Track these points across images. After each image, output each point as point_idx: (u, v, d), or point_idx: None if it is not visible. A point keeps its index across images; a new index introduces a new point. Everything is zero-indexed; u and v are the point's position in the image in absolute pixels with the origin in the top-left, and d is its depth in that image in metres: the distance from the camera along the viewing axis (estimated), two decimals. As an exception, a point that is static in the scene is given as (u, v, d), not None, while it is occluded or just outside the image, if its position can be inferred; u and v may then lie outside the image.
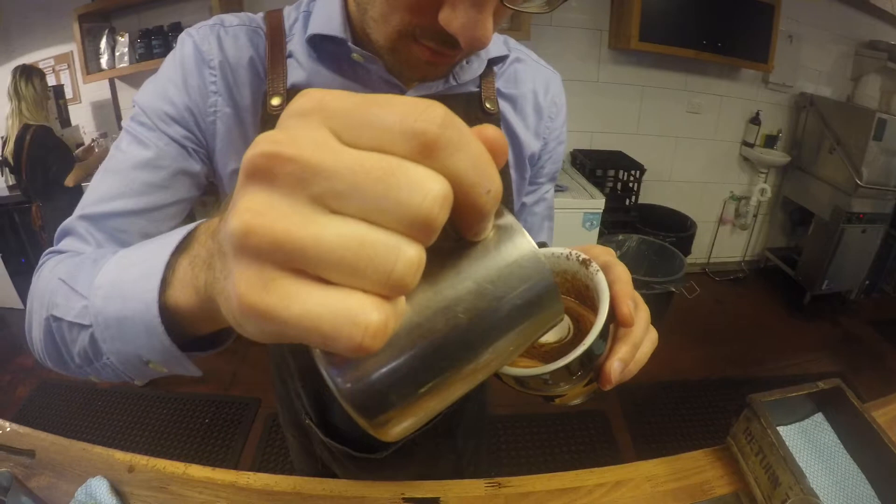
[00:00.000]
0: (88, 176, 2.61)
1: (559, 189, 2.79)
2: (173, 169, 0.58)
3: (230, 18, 0.62)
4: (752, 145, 3.46)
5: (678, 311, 3.04)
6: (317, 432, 0.86)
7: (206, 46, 0.60)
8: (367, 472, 0.87)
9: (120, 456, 0.94)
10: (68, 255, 0.52)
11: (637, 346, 0.38)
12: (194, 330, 0.35)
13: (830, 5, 3.18)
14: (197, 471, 0.90)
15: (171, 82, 0.59)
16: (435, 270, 0.24)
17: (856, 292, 3.38)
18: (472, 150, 0.21)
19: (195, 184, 0.63)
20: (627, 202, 3.23)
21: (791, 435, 0.92)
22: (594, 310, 0.36)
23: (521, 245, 0.25)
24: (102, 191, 0.56)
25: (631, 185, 3.20)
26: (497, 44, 0.67)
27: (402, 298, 0.21)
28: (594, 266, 0.38)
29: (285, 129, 0.20)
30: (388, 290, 0.19)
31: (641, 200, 3.28)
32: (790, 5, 3.04)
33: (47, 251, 0.54)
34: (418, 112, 0.19)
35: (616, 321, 0.37)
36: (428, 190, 0.19)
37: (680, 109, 3.38)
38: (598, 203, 2.68)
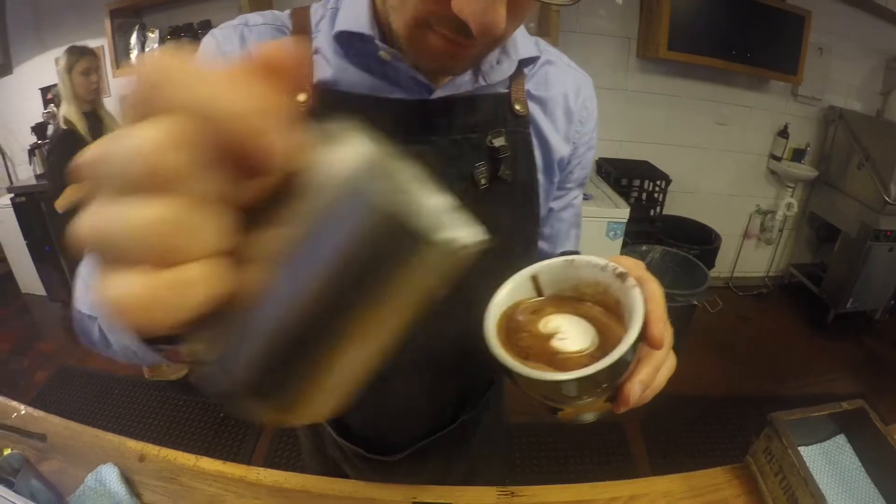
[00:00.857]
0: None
1: (584, 197, 2.77)
2: None
3: (255, 17, 0.62)
4: (779, 159, 3.40)
5: (700, 326, 2.99)
6: (330, 432, 0.86)
7: (228, 46, 0.60)
8: (379, 475, 0.86)
9: (132, 444, 0.95)
10: None
11: (658, 369, 0.37)
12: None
13: (862, 18, 3.12)
14: (208, 463, 0.91)
15: None
16: (262, 219, 0.21)
17: (881, 312, 3.29)
18: (194, 81, 0.18)
19: None
20: (652, 213, 3.19)
21: (812, 456, 0.89)
22: (621, 323, 0.34)
23: (344, 151, 0.20)
24: None
25: (656, 195, 3.16)
26: (528, 45, 0.66)
27: (201, 269, 0.19)
28: (631, 281, 0.37)
29: None
30: (148, 254, 0.18)
31: (666, 211, 3.25)
32: (821, 17, 2.99)
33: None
34: (145, 61, 0.19)
35: (645, 341, 0.36)
36: (152, 130, 0.18)
37: (707, 120, 3.33)
38: (623, 213, 2.65)
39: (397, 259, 0.20)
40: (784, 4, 2.93)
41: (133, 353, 0.40)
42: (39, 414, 1.00)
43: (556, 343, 0.36)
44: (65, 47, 3.22)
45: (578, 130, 0.72)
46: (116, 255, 0.18)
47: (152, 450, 0.94)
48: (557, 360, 0.36)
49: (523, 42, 0.64)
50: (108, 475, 0.87)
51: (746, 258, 3.78)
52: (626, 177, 3.09)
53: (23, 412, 1.01)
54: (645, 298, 0.36)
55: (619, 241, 2.74)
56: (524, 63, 0.65)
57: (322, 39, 0.60)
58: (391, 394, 0.75)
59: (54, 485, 0.86)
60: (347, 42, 0.58)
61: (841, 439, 0.92)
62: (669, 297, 2.19)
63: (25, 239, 3.23)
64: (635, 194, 3.17)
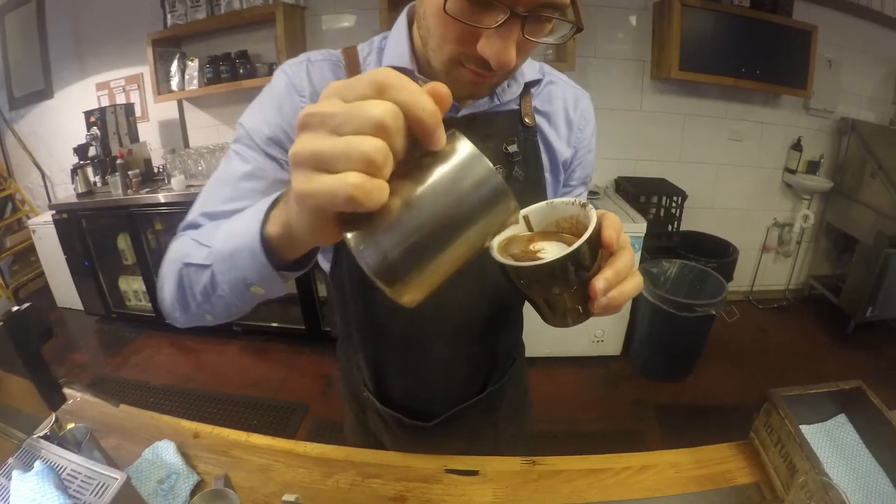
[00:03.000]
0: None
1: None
2: (272, 179, 0.71)
3: (315, 55, 0.76)
4: (794, 171, 3.44)
5: (720, 338, 3.02)
6: (373, 401, 0.96)
7: (297, 80, 0.74)
8: (415, 441, 0.97)
9: (186, 424, 1.05)
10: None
11: (620, 275, 0.46)
12: (282, 254, 0.49)
13: (869, 29, 3.17)
14: (258, 439, 1.00)
15: (269, 110, 0.73)
16: (414, 173, 0.36)
17: (903, 320, 3.28)
18: (409, 87, 0.34)
19: None
20: (670, 228, 3.24)
21: (814, 434, 0.95)
22: None
23: (463, 147, 0.37)
24: (220, 197, 0.71)
25: (673, 211, 3.22)
26: (533, 70, 0.81)
27: (382, 181, 0.34)
28: (589, 206, 0.48)
29: (318, 104, 0.36)
30: (365, 165, 0.32)
31: (684, 227, 3.29)
32: (828, 30, 3.05)
33: (176, 235, 0.69)
34: (376, 72, 0.34)
35: (602, 246, 0.46)
36: (382, 107, 0.33)
37: (721, 137, 3.40)
38: (640, 227, 2.71)
39: (490, 204, 0.37)
40: (790, 20, 3.00)
41: (243, 286, 0.53)
42: (95, 400, 1.10)
43: (539, 255, 0.47)
44: (106, 73, 3.45)
45: (578, 136, 0.86)
46: (327, 166, 0.33)
47: (205, 428, 1.03)
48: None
49: (528, 68, 0.80)
50: (165, 449, 0.96)
51: (765, 271, 3.80)
52: (643, 193, 3.17)
53: (79, 399, 1.10)
54: (601, 217, 0.47)
55: (638, 256, 2.80)
56: (530, 85, 0.81)
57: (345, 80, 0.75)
58: (431, 361, 0.89)
59: (113, 458, 0.93)
60: None
61: (842, 418, 0.98)
62: (687, 308, 2.23)
63: (65, 254, 3.38)
64: (653, 211, 3.23)
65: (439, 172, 0.36)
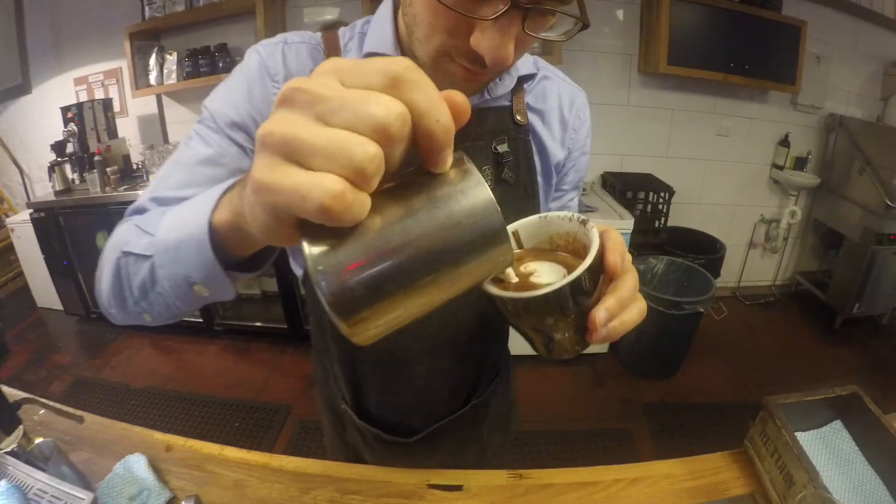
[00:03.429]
0: None
1: (588, 210, 2.82)
2: (233, 167, 0.65)
3: (292, 36, 0.70)
4: (781, 168, 3.44)
5: (707, 334, 3.02)
6: (351, 415, 0.91)
7: (271, 62, 0.67)
8: (396, 458, 0.92)
9: (159, 436, 1.00)
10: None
11: (623, 303, 0.41)
12: (232, 250, 0.44)
13: (858, 25, 3.17)
14: (232, 452, 0.95)
15: (237, 93, 0.66)
16: (404, 194, 0.30)
17: (888, 316, 3.29)
18: (427, 90, 0.28)
19: None
20: (657, 224, 3.23)
21: (809, 441, 0.92)
22: None
23: (472, 180, 0.31)
24: (172, 181, 0.64)
25: (660, 207, 3.21)
26: (527, 63, 0.74)
27: (366, 195, 0.28)
28: (591, 224, 0.43)
29: (310, 79, 0.29)
30: (351, 172, 0.26)
31: (671, 223, 3.28)
32: (817, 26, 3.04)
33: (123, 219, 0.62)
34: (391, 61, 0.28)
35: (605, 272, 0.41)
36: (389, 106, 0.27)
37: (709, 132, 3.39)
38: (627, 224, 2.70)
39: (484, 252, 0.31)
40: (779, 16, 2.99)
41: (185, 285, 0.47)
42: (67, 409, 1.04)
43: (532, 279, 0.42)
44: (84, 68, 3.35)
45: (572, 137, 0.80)
46: (301, 159, 0.27)
47: (178, 440, 0.99)
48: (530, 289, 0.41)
49: (522, 61, 0.72)
50: (136, 463, 0.91)
51: (752, 267, 3.81)
52: (630, 189, 3.14)
53: (42, 412, 1.04)
54: (603, 239, 0.41)
55: (625, 254, 2.76)
56: (523, 79, 0.74)
57: (352, 59, 0.68)
58: (412, 376, 0.83)
59: (84, 473, 0.89)
60: None
61: (837, 425, 0.95)
62: (675, 305, 2.21)
63: (43, 254, 3.30)
64: (640, 206, 3.21)
65: (434, 201, 0.30)
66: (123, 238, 0.55)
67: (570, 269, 0.40)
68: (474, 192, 0.30)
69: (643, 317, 0.43)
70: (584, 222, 0.44)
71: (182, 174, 0.64)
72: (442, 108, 0.28)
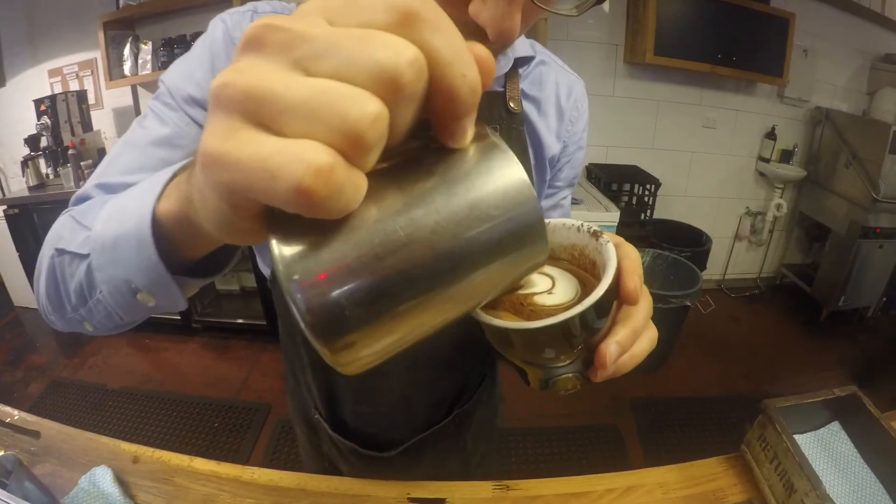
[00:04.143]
0: None
1: (574, 202, 2.78)
2: (191, 149, 0.57)
3: (263, 6, 0.62)
4: (767, 160, 3.43)
5: (693, 328, 2.99)
6: (325, 427, 0.86)
7: (238, 33, 0.58)
8: (374, 471, 0.86)
9: (126, 447, 0.94)
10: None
11: (637, 333, 0.36)
12: (180, 249, 0.36)
13: (845, 19, 3.17)
14: (202, 464, 0.90)
15: (199, 65, 0.58)
16: (410, 176, 0.22)
17: (873, 309, 3.31)
18: (451, 32, 0.20)
19: None
20: (642, 216, 3.21)
21: (807, 443, 0.90)
22: (597, 282, 0.33)
23: (501, 158, 0.23)
24: (121, 164, 0.56)
25: (646, 199, 3.18)
26: (524, 45, 0.67)
27: (361, 173, 0.20)
28: (605, 238, 0.36)
29: (288, 17, 0.20)
30: (343, 138, 0.18)
31: (656, 215, 3.26)
32: (805, 19, 3.03)
33: (63, 212, 0.53)
34: None
35: (619, 298, 0.34)
36: (401, 50, 0.19)
37: (695, 124, 3.36)
38: (613, 216, 2.66)
39: (519, 242, 0.24)
40: (768, 7, 2.97)
41: (127, 292, 0.38)
42: (33, 419, 0.99)
43: (531, 300, 0.34)
44: (59, 59, 3.24)
45: (569, 129, 0.74)
46: (272, 121, 0.19)
47: (146, 451, 0.93)
48: (528, 313, 0.34)
49: (519, 42, 0.65)
50: (102, 477, 0.86)
51: (738, 260, 3.81)
52: (615, 181, 3.11)
53: (16, 417, 0.99)
54: (619, 256, 0.34)
55: (611, 248, 2.74)
56: (519, 63, 0.67)
57: None
58: (391, 389, 0.76)
59: (48, 487, 0.84)
60: None
61: (835, 426, 0.93)
62: (662, 299, 2.18)
63: (18, 251, 3.19)
64: (625, 198, 3.18)
65: (452, 185, 0.22)
66: (58, 233, 0.46)
67: (582, 284, 0.34)
68: (504, 174, 0.23)
69: (654, 347, 0.37)
70: (596, 235, 0.37)
71: (132, 156, 0.56)
72: (468, 58, 0.21)
